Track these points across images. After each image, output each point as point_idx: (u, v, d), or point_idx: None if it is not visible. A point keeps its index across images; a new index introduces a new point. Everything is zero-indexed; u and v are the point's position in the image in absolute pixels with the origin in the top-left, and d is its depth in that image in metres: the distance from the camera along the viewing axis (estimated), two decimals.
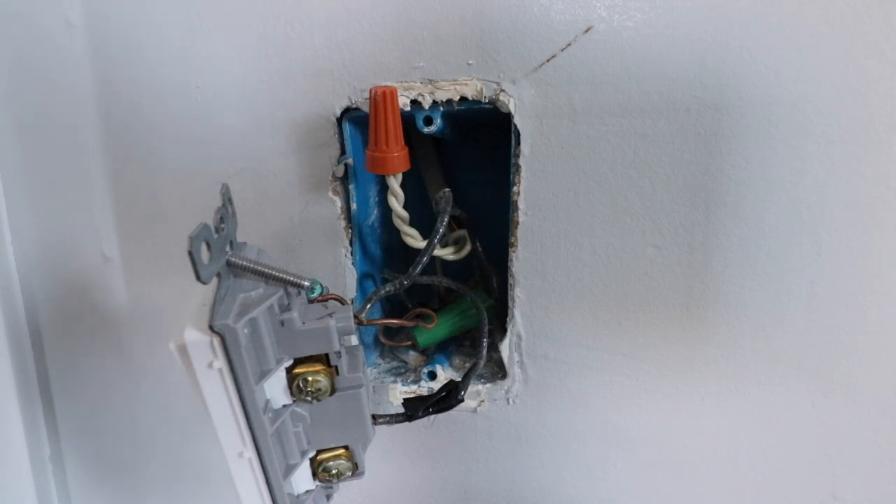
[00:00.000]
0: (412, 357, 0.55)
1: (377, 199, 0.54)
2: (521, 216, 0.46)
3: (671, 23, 0.41)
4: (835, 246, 0.44)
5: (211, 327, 0.31)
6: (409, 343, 0.53)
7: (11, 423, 0.52)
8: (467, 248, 0.50)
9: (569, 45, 0.42)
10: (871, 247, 0.43)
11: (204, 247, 0.30)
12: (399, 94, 0.43)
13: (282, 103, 0.46)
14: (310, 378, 0.35)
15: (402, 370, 0.54)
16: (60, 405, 0.56)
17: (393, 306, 0.58)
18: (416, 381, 0.52)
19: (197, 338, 0.31)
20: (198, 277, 0.30)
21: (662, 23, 0.41)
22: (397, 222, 0.46)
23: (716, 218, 0.44)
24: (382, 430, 0.41)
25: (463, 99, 0.44)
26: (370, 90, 0.41)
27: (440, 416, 0.52)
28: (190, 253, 0.29)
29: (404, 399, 0.42)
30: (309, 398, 0.35)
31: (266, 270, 0.34)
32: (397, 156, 0.42)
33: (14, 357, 0.52)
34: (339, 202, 0.48)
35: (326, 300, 0.38)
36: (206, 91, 0.46)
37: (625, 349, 0.48)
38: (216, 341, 0.31)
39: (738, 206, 0.44)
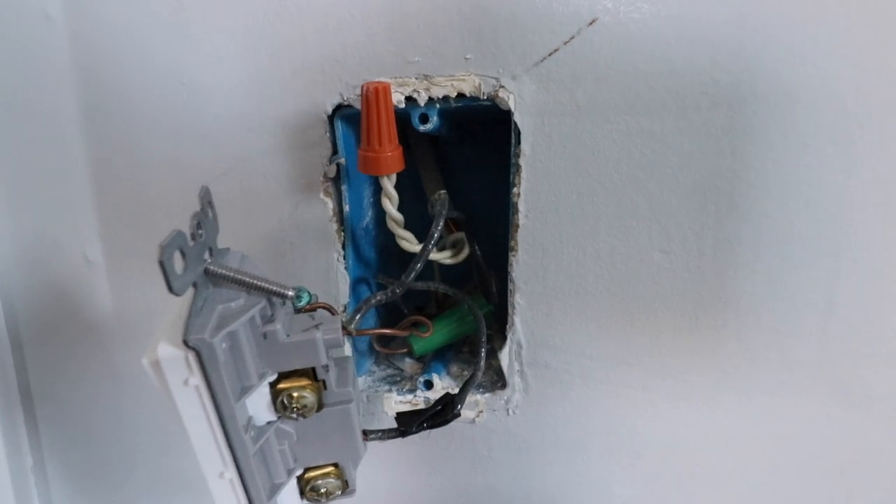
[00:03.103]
0: (408, 364, 0.53)
1: (371, 200, 0.52)
2: (522, 218, 0.45)
3: (680, 15, 0.39)
4: (854, 252, 0.42)
5: (185, 342, 0.29)
6: (405, 350, 0.51)
7: None
8: (465, 251, 0.48)
9: (572, 38, 0.40)
10: (892, 253, 0.42)
11: (178, 255, 0.28)
12: (393, 90, 0.41)
13: (271, 100, 0.44)
14: (295, 394, 0.33)
15: (398, 378, 0.52)
16: (42, 414, 0.54)
17: (388, 312, 0.56)
18: (412, 391, 0.50)
19: (171, 353, 0.29)
20: (170, 289, 0.28)
21: (671, 14, 0.39)
22: (392, 225, 0.44)
23: (727, 221, 0.42)
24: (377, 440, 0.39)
25: (460, 95, 0.42)
26: (362, 86, 0.39)
27: None
28: (161, 263, 0.27)
29: (397, 413, 0.41)
30: (294, 415, 0.34)
31: (247, 279, 0.32)
32: (391, 155, 0.41)
33: None
34: (331, 204, 0.46)
35: (314, 309, 0.36)
36: (191, 87, 0.45)
37: (630, 358, 0.47)
38: (191, 357, 0.29)
39: (751, 209, 0.42)
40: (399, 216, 0.44)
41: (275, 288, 0.32)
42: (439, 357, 0.53)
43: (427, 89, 0.42)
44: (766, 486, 0.49)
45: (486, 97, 0.42)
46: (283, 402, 0.33)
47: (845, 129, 0.40)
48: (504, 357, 0.48)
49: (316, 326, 0.33)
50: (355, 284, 0.49)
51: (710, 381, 0.46)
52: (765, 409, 0.47)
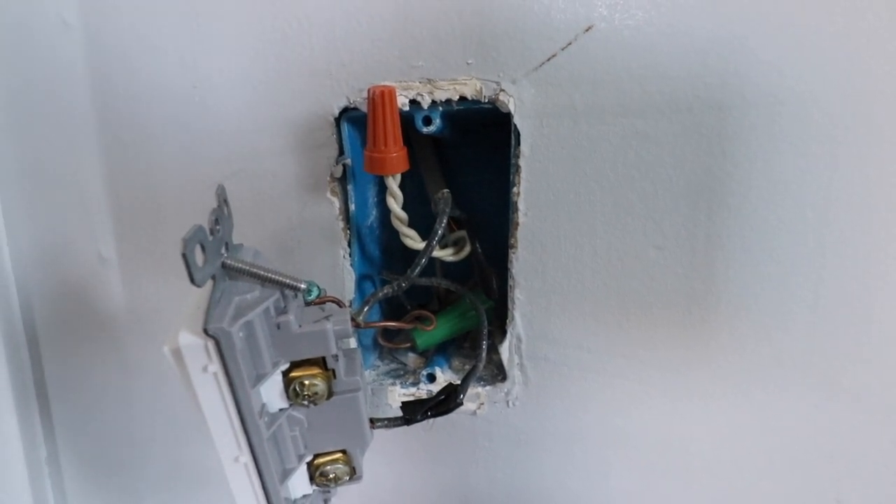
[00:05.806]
0: (411, 359, 0.54)
1: (376, 199, 0.53)
2: (522, 217, 0.46)
3: (673, 21, 0.40)
4: (839, 248, 0.43)
5: (205, 330, 0.30)
6: (409, 345, 0.53)
7: (7, 425, 0.52)
8: (467, 249, 0.49)
9: (569, 44, 0.42)
10: (876, 249, 0.43)
11: (198, 249, 0.30)
12: (398, 93, 0.42)
13: (279, 103, 0.45)
14: (306, 382, 0.35)
15: (402, 372, 0.54)
16: (57, 407, 0.55)
17: (392, 307, 0.57)
18: (416, 384, 0.51)
19: (191, 341, 0.30)
20: (192, 280, 0.29)
21: (664, 21, 0.41)
22: (396, 223, 0.45)
23: (718, 219, 0.44)
24: (380, 432, 0.41)
25: (462, 98, 0.43)
26: (368, 90, 0.41)
27: (439, 419, 0.51)
28: (184, 255, 0.28)
29: (402, 402, 0.42)
30: (306, 402, 0.35)
31: (262, 273, 0.33)
32: (396, 156, 0.42)
33: (10, 358, 0.52)
34: (337, 203, 0.47)
35: (324, 302, 0.37)
36: (203, 91, 0.46)
37: (626, 351, 0.48)
38: (211, 345, 0.30)
39: (741, 207, 0.43)
40: (403, 214, 0.45)
41: (288, 281, 0.34)
42: (441, 352, 0.54)
43: (430, 93, 0.43)
44: (758, 474, 0.50)
45: (487, 100, 0.43)
46: (294, 389, 0.35)
47: (830, 131, 0.41)
48: (504, 350, 0.49)
49: (326, 318, 0.34)
50: (360, 281, 0.51)
51: (703, 372, 0.47)
52: (755, 400, 0.47)
